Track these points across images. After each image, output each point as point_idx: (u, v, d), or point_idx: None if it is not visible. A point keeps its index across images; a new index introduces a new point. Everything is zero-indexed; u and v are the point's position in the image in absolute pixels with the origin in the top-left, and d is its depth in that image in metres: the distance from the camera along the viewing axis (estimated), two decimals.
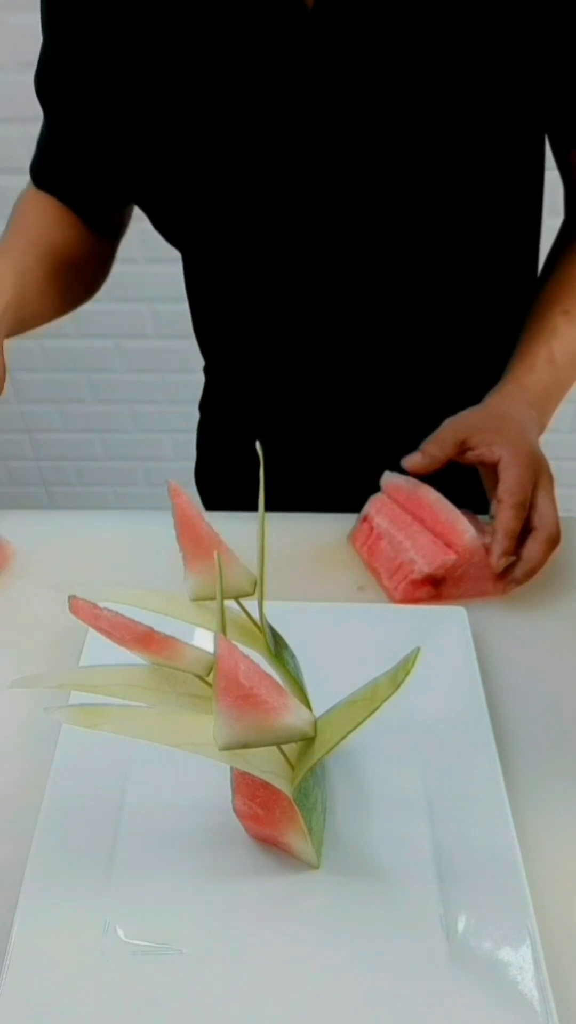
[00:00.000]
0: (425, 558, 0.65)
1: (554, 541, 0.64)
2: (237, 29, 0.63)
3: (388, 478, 0.72)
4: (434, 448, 0.68)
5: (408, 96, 0.63)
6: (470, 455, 0.67)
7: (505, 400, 0.71)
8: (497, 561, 0.63)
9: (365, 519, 0.72)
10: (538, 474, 0.66)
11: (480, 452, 0.66)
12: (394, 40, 0.62)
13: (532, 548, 0.64)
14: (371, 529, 0.71)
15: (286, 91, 0.65)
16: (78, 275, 0.83)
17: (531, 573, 0.65)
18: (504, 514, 0.63)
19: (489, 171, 0.68)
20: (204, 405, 1.02)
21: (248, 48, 0.64)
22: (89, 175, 0.79)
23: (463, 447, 0.67)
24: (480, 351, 0.81)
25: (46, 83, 0.76)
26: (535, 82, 0.64)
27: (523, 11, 0.61)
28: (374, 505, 0.72)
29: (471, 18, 0.61)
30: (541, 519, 0.64)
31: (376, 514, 0.71)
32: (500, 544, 0.63)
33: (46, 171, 0.81)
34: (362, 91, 0.64)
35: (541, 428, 0.72)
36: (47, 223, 0.80)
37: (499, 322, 0.81)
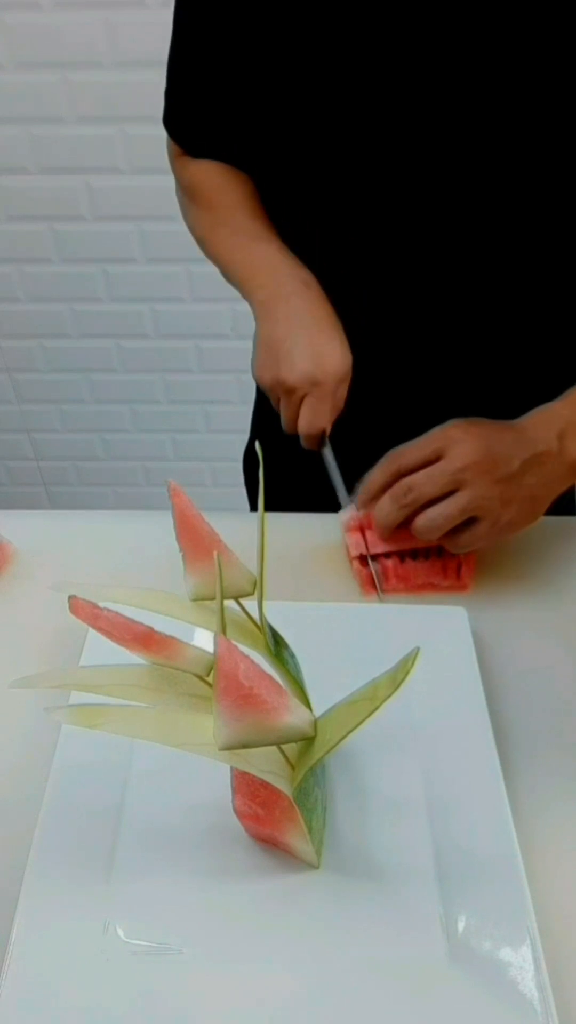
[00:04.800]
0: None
1: (397, 499, 0.64)
2: None
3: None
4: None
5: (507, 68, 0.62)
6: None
7: (525, 420, 0.67)
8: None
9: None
10: (446, 451, 0.63)
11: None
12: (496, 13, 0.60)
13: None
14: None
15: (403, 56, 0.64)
16: None
17: (385, 528, 0.66)
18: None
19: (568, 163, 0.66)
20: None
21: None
22: (239, 132, 0.78)
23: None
24: (531, 378, 0.78)
25: (190, 46, 0.75)
26: None
27: None
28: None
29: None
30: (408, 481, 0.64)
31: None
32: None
33: (208, 141, 0.81)
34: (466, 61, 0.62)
35: (568, 459, 0.65)
36: (243, 187, 0.80)
37: (555, 348, 0.79)
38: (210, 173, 0.81)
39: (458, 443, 0.63)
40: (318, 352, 0.68)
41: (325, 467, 0.74)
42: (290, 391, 0.69)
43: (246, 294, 0.75)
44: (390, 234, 0.73)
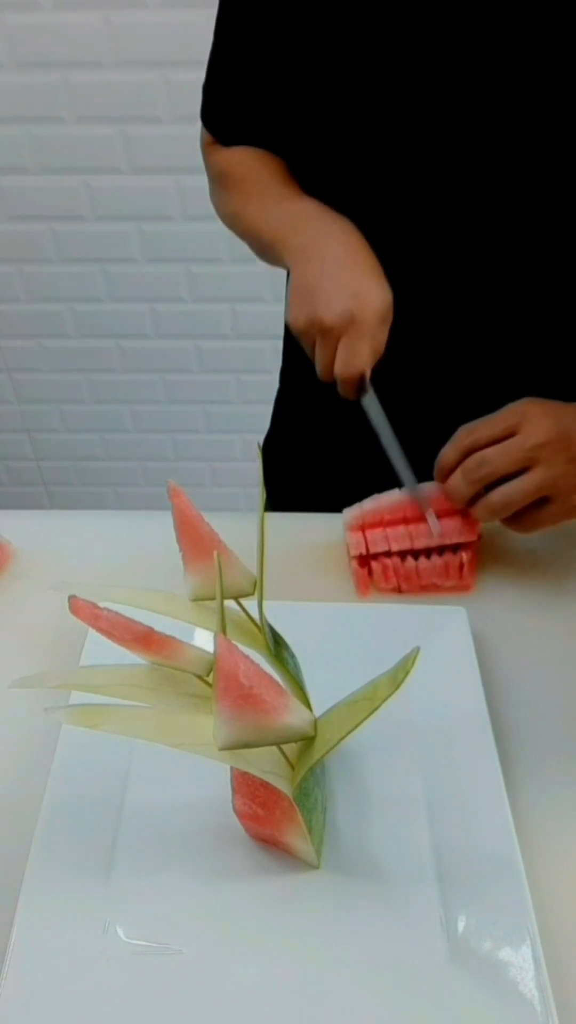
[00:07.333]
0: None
1: (469, 474, 0.63)
2: None
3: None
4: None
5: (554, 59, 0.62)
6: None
7: None
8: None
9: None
10: (520, 427, 0.62)
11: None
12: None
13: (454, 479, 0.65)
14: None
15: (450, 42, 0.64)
16: None
17: (455, 500, 0.65)
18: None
19: None
20: (285, 374, 0.97)
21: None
22: (280, 120, 0.77)
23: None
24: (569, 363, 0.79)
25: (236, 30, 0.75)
26: None
27: None
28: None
29: None
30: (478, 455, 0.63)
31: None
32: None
33: (244, 130, 0.80)
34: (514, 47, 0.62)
35: None
36: (275, 164, 0.79)
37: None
38: (242, 156, 0.80)
39: (533, 420, 0.62)
40: (356, 290, 0.64)
41: (368, 420, 0.68)
42: (327, 332, 0.65)
43: (280, 249, 0.71)
44: (423, 218, 0.72)
